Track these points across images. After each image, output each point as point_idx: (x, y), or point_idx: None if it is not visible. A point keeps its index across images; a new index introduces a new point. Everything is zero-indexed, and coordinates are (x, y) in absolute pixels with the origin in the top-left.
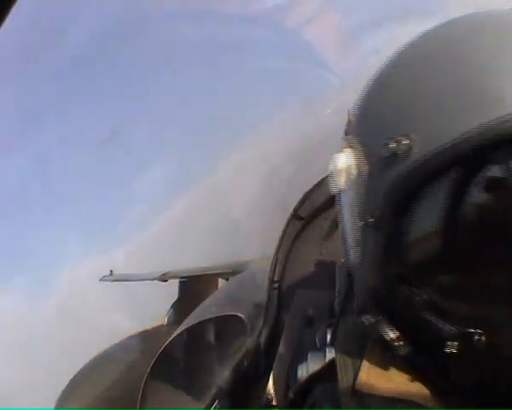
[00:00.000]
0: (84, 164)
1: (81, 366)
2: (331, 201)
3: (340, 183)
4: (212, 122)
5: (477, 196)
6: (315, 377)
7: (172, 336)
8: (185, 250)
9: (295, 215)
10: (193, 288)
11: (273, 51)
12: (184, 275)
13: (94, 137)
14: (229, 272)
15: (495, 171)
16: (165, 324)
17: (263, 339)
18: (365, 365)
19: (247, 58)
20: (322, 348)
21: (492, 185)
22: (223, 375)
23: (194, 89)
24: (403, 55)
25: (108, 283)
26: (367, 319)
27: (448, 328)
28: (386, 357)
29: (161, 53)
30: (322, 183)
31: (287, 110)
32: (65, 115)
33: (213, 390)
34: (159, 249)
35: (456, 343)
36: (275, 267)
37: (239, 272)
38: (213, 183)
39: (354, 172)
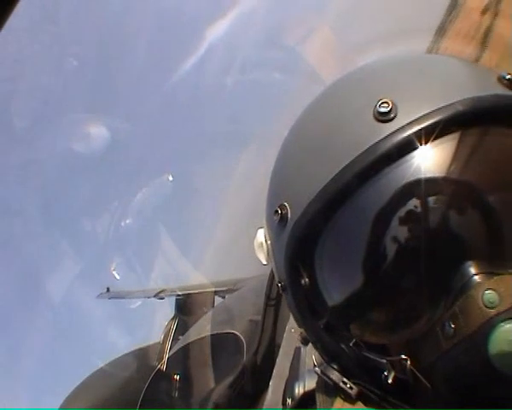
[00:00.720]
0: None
1: (77, 384)
2: None
3: (261, 259)
4: (209, 135)
5: (356, 236)
6: (311, 395)
7: (169, 354)
8: (182, 267)
9: None
10: (189, 305)
11: (269, 67)
12: (180, 293)
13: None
14: (225, 290)
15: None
16: (161, 341)
17: (259, 356)
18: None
19: (243, 74)
20: (318, 366)
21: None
22: (219, 392)
23: (194, 102)
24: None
25: (105, 300)
26: (316, 369)
27: (379, 360)
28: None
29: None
30: None
31: (282, 126)
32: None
33: (210, 407)
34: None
35: (390, 373)
36: (271, 284)
37: (235, 290)
38: (208, 193)
39: (266, 247)
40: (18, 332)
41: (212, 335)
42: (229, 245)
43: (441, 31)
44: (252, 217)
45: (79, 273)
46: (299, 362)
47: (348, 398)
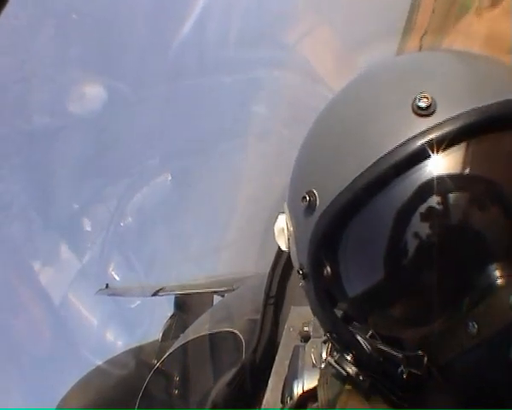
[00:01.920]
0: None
1: (74, 382)
2: None
3: (281, 245)
4: (210, 133)
5: (384, 230)
6: (310, 395)
7: (168, 352)
8: (180, 266)
9: None
10: (188, 303)
11: (268, 67)
12: (179, 293)
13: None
14: (224, 290)
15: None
16: (160, 339)
17: (258, 355)
18: (346, 392)
19: (242, 73)
20: (317, 365)
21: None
22: (218, 390)
23: (193, 101)
24: (313, 123)
25: (104, 298)
26: (330, 359)
27: (395, 354)
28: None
29: (155, 65)
30: None
31: (281, 124)
32: None
33: (209, 407)
34: (154, 262)
35: (405, 368)
36: (271, 283)
37: (233, 290)
38: (209, 191)
39: (287, 233)
40: (17, 331)
41: (210, 333)
42: (231, 242)
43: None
44: (251, 214)
45: (78, 272)
46: (298, 361)
47: (360, 390)
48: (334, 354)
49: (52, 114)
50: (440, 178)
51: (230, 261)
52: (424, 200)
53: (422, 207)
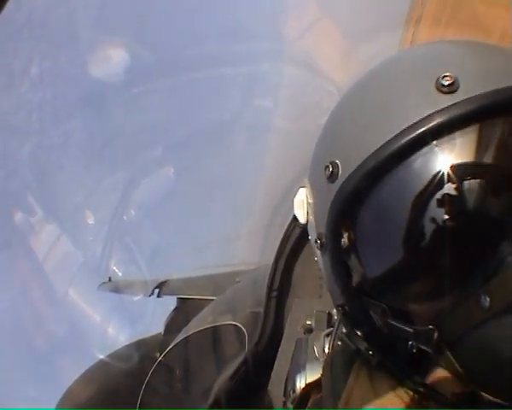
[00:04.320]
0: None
1: (77, 376)
2: None
3: (300, 218)
4: (213, 126)
5: (404, 202)
6: (312, 388)
7: (171, 346)
8: (183, 259)
9: (295, 223)
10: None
11: (270, 60)
12: (180, 296)
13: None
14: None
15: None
16: (163, 333)
17: (261, 348)
18: (351, 381)
19: (245, 66)
20: (320, 358)
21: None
22: (221, 383)
23: (196, 94)
24: (339, 100)
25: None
26: (340, 334)
27: (406, 329)
28: (373, 373)
29: (162, 63)
30: None
31: (284, 119)
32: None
33: (211, 400)
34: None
35: (415, 342)
36: (274, 275)
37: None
38: (212, 186)
39: (307, 206)
40: (20, 324)
41: (213, 326)
42: (234, 234)
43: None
44: (254, 206)
45: (81, 266)
46: (301, 354)
47: (368, 365)
48: (343, 330)
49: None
50: (461, 153)
51: (234, 254)
52: (442, 176)
53: (440, 182)
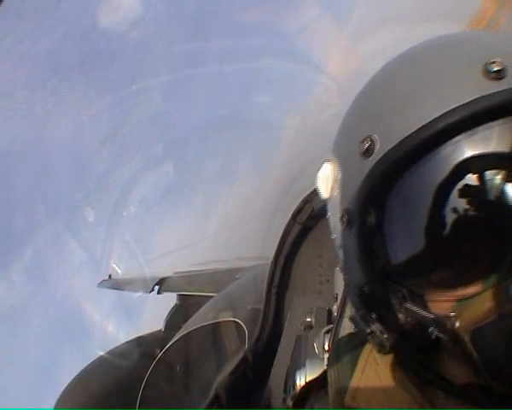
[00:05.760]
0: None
1: (78, 371)
2: None
3: (323, 193)
4: (212, 122)
5: (440, 187)
6: (313, 385)
7: (171, 342)
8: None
9: (295, 220)
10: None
11: (270, 56)
12: (180, 293)
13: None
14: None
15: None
16: (163, 329)
17: (261, 344)
18: (358, 374)
19: (245, 63)
20: (320, 355)
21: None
22: (221, 380)
23: (195, 90)
24: (374, 75)
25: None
26: (356, 314)
27: (425, 315)
28: (380, 366)
29: (163, 63)
30: None
31: (284, 115)
32: None
33: (211, 395)
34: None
35: (434, 329)
36: (274, 272)
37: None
38: (212, 180)
39: (332, 180)
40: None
41: (213, 323)
42: (234, 230)
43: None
44: (254, 202)
45: (81, 263)
46: (301, 351)
47: (382, 348)
48: (357, 312)
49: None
50: (503, 143)
51: (234, 249)
52: (487, 160)
53: (479, 167)
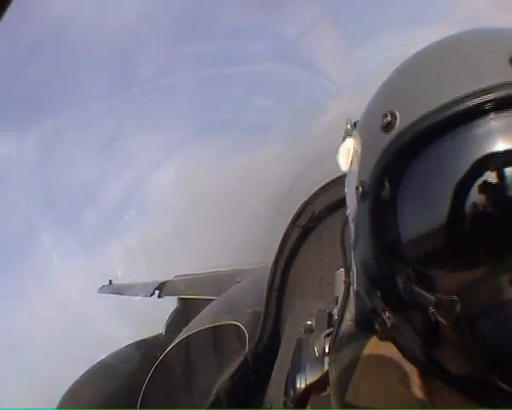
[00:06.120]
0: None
1: (80, 374)
2: (331, 209)
3: (342, 165)
4: (213, 125)
5: (457, 169)
6: (313, 388)
7: (172, 345)
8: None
9: (295, 224)
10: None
11: (270, 59)
12: (180, 296)
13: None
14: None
15: (470, 143)
16: (164, 333)
17: (261, 347)
18: (359, 373)
19: (247, 67)
20: (320, 358)
21: (470, 159)
22: (221, 383)
23: (195, 93)
24: (402, 62)
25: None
26: (359, 290)
27: (429, 296)
28: (381, 365)
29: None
30: (322, 191)
31: (286, 118)
32: None
33: (212, 398)
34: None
35: (436, 310)
36: (274, 275)
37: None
38: (213, 183)
39: (351, 153)
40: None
41: (213, 326)
42: (236, 234)
43: None
44: (256, 205)
45: (82, 266)
46: (301, 354)
47: (383, 328)
48: (360, 288)
49: None
50: None
51: (235, 253)
52: (504, 146)
53: (497, 153)
